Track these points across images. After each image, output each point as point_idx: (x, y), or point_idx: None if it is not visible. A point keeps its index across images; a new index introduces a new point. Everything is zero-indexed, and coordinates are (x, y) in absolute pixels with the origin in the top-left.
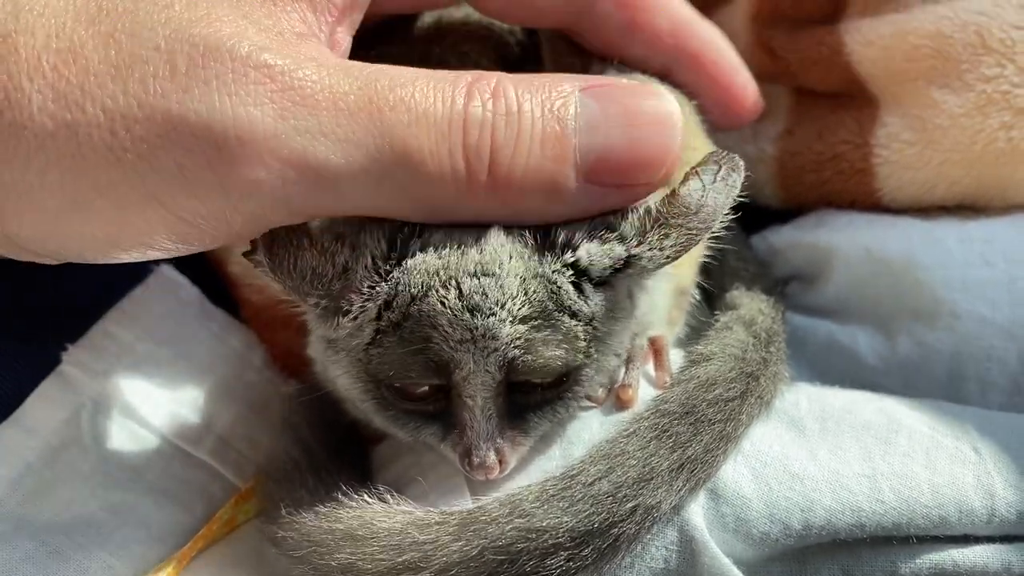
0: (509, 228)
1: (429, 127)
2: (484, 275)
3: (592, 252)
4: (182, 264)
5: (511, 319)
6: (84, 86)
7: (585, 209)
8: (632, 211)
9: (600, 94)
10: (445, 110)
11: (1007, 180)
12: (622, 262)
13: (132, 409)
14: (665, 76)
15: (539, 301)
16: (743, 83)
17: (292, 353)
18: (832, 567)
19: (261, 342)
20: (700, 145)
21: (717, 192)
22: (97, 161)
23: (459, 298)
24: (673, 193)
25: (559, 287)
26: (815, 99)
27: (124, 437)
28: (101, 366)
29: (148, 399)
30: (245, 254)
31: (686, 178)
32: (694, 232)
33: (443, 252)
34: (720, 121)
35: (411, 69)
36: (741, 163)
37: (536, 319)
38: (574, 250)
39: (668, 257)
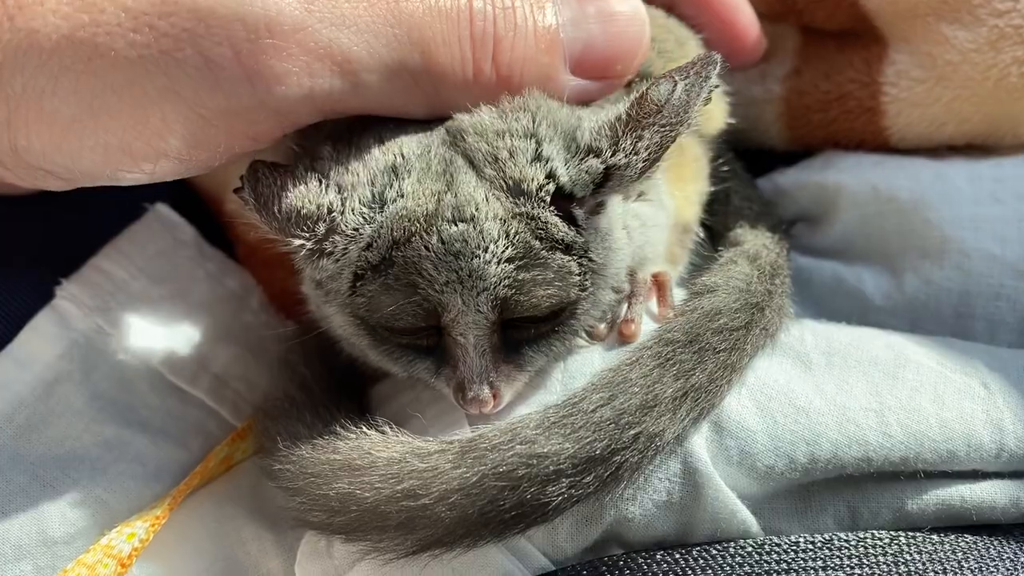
0: (480, 167)
1: (441, 15)
2: (461, 221)
3: (571, 174)
4: (179, 205)
5: (496, 260)
6: None
7: (570, 100)
8: (603, 122)
9: None
10: (454, 4)
11: (1019, 116)
12: (601, 175)
13: (127, 345)
14: (670, 10)
15: (523, 241)
16: (746, 21)
17: (289, 293)
18: (838, 504)
19: (258, 283)
20: None
21: (689, 84)
22: (117, 60)
23: (441, 243)
24: (642, 95)
25: (545, 222)
26: (822, 38)
27: (118, 373)
28: (95, 302)
29: (143, 336)
30: (236, 191)
31: (656, 80)
32: (668, 127)
33: (421, 197)
34: (727, 58)
35: None
36: (717, 56)
37: (523, 259)
38: (553, 174)
39: (646, 160)
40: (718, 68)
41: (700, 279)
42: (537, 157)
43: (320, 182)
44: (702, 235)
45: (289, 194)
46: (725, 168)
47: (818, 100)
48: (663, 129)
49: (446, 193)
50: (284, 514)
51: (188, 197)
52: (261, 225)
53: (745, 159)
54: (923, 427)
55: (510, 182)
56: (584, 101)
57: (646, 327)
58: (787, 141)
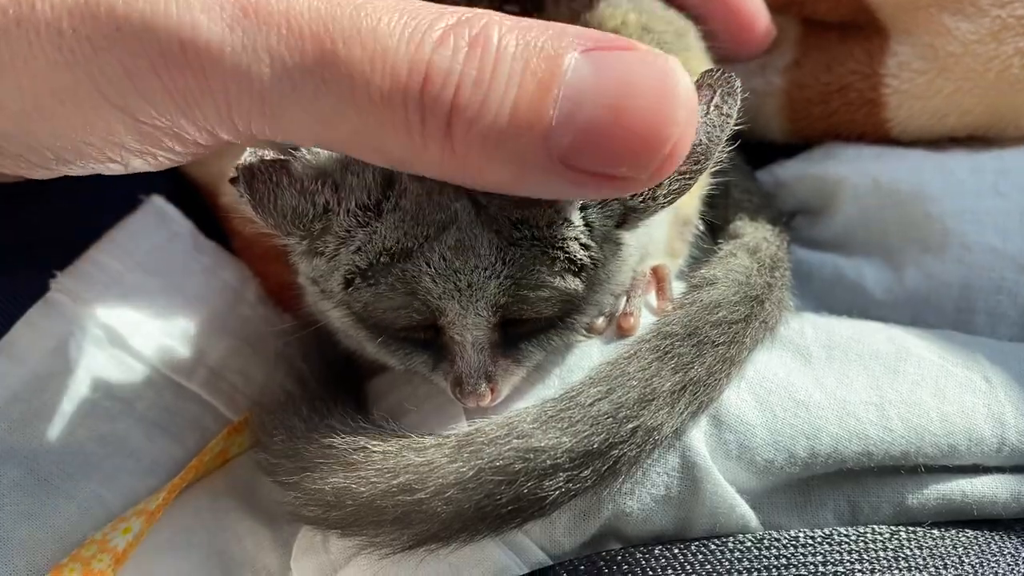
0: (483, 201)
1: (384, 70)
2: (462, 241)
3: (595, 218)
4: (175, 196)
5: (497, 276)
6: None
7: (556, 194)
8: None
9: (602, 60)
10: (406, 53)
11: (1021, 108)
12: (620, 218)
13: (122, 339)
14: (670, 1)
15: (527, 265)
16: (754, 10)
17: (285, 286)
18: (838, 498)
19: (254, 275)
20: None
21: (711, 126)
22: (48, 62)
23: (442, 259)
24: None
25: (564, 245)
26: (823, 29)
27: (113, 367)
28: (90, 295)
29: (138, 329)
30: (231, 181)
31: None
32: (688, 175)
33: (420, 212)
34: (731, 50)
35: None
36: (738, 84)
37: (525, 277)
38: (572, 222)
39: (663, 205)
40: (739, 101)
41: (699, 272)
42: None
43: (317, 179)
44: (701, 228)
45: (285, 190)
46: (725, 161)
47: (819, 92)
48: (682, 176)
49: (451, 222)
50: (280, 509)
51: (183, 189)
52: (255, 220)
53: (745, 152)
54: (924, 421)
55: (523, 218)
56: (572, 197)
57: (645, 320)
58: (787, 133)
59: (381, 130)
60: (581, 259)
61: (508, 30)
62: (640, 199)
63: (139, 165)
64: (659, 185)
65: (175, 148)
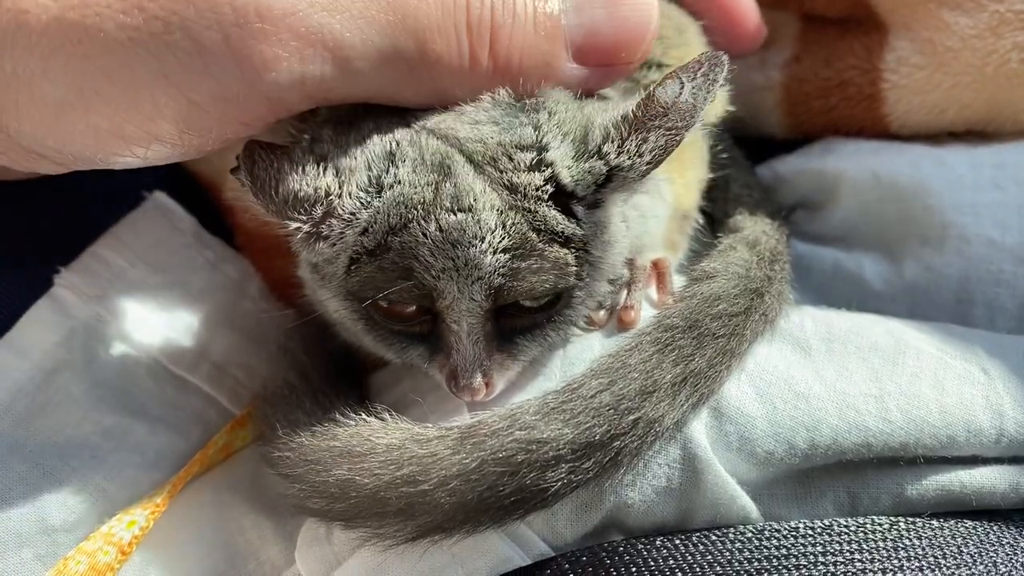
0: (479, 161)
1: (436, 3)
2: (460, 210)
3: (573, 173)
4: (177, 192)
5: (492, 250)
6: None
7: (572, 89)
8: (609, 123)
9: None
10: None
11: (1020, 102)
12: (603, 176)
13: (126, 334)
14: None
15: (520, 232)
16: (746, 9)
17: (288, 280)
18: (837, 489)
19: (257, 270)
20: None
21: (697, 88)
22: (107, 43)
23: (439, 230)
24: (649, 95)
25: (544, 216)
26: (823, 25)
27: (118, 362)
28: (94, 290)
29: (142, 324)
30: (232, 171)
31: (663, 79)
32: (673, 131)
33: (418, 185)
34: (725, 45)
35: None
36: (724, 57)
37: (519, 248)
38: (554, 176)
39: (650, 162)
40: (725, 70)
41: (699, 265)
42: (539, 163)
43: (318, 164)
44: (701, 222)
45: (287, 176)
46: (724, 155)
47: (818, 87)
48: (668, 132)
49: (444, 183)
50: (283, 501)
51: (186, 184)
52: (258, 207)
53: (744, 146)
54: (923, 413)
55: (508, 181)
56: (586, 90)
57: (645, 313)
58: (787, 128)
59: (438, 60)
60: (562, 230)
61: None
62: (626, 155)
63: (160, 157)
64: (644, 141)
65: (211, 132)
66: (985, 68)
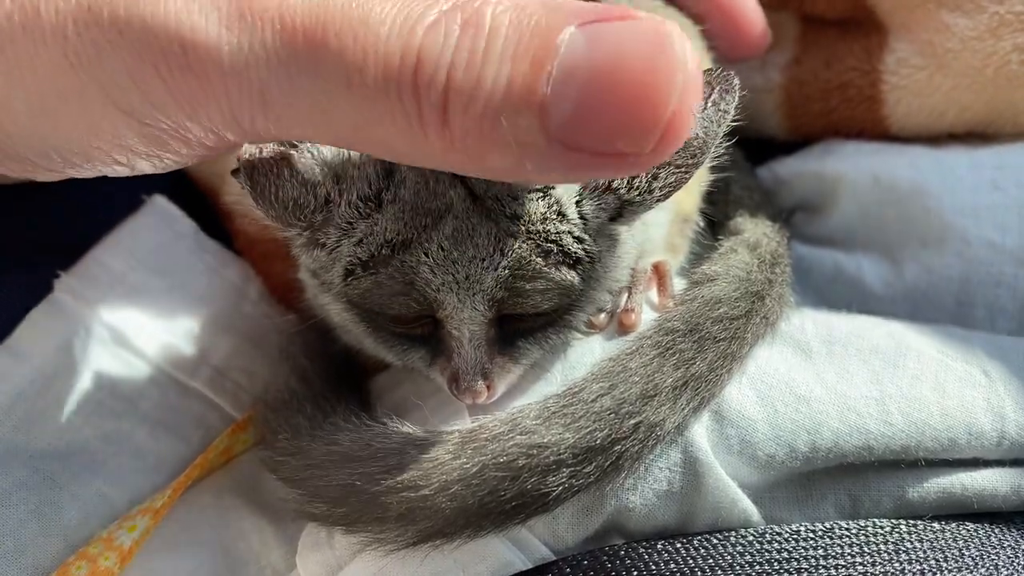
0: (483, 191)
1: (376, 60)
2: (461, 231)
3: (584, 209)
4: (177, 196)
5: (494, 267)
6: None
7: (559, 177)
8: None
9: (595, 32)
10: (398, 41)
11: (1020, 104)
12: (615, 211)
13: (126, 338)
14: (671, 2)
15: (523, 257)
16: (751, 13)
17: (288, 284)
18: (839, 492)
19: (257, 274)
20: None
21: (708, 120)
22: (55, 66)
23: (440, 250)
24: None
25: (553, 242)
26: (822, 26)
27: (118, 366)
28: (93, 295)
29: (142, 329)
30: (233, 172)
31: None
32: (683, 168)
33: (420, 208)
34: (729, 52)
35: None
36: (736, 81)
37: (522, 270)
38: (561, 207)
39: (659, 198)
40: (736, 97)
41: (700, 268)
42: (546, 193)
43: (319, 171)
44: (702, 224)
45: (286, 182)
46: (724, 157)
47: (818, 89)
48: (679, 170)
49: (447, 214)
50: (285, 505)
51: (186, 188)
52: (257, 211)
53: (745, 148)
54: (924, 415)
55: (513, 210)
56: (575, 179)
57: (646, 316)
58: (787, 130)
59: (380, 122)
60: (575, 252)
61: (503, 10)
62: (636, 192)
63: (146, 167)
64: (655, 178)
65: (181, 151)
66: (985, 70)
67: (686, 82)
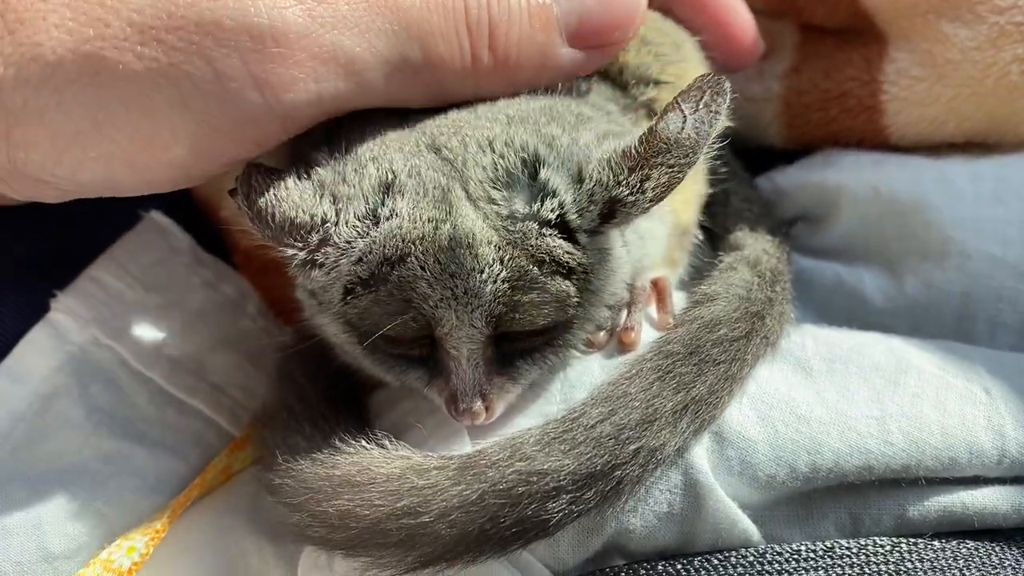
0: (479, 195)
1: (437, 9)
2: (458, 244)
3: (577, 208)
4: (173, 211)
5: (492, 280)
6: (105, 2)
7: (570, 73)
8: (610, 156)
9: None
10: None
11: (1020, 115)
12: (607, 211)
13: (123, 357)
14: (666, 13)
15: (520, 266)
16: (742, 23)
17: (286, 299)
18: (839, 510)
19: (254, 289)
20: None
21: (699, 121)
22: (126, 75)
23: (437, 263)
24: (651, 130)
25: (546, 249)
26: (821, 36)
27: (116, 385)
28: (91, 313)
29: (139, 346)
30: (230, 192)
31: (665, 110)
32: (676, 168)
33: (418, 220)
34: (722, 60)
35: None
36: (727, 84)
37: (520, 280)
38: (556, 210)
39: (652, 199)
40: (728, 98)
41: (700, 287)
42: (541, 196)
43: (315, 191)
44: (701, 237)
45: (283, 202)
46: (724, 168)
47: (817, 98)
48: (671, 170)
49: (444, 221)
50: (284, 527)
51: (182, 203)
52: (254, 231)
53: (744, 158)
54: (925, 434)
55: (508, 214)
56: (583, 71)
57: (646, 335)
58: (786, 140)
59: (443, 62)
60: (569, 263)
61: None
62: (628, 191)
63: (163, 185)
64: (647, 178)
65: (224, 155)
66: (985, 80)
67: None
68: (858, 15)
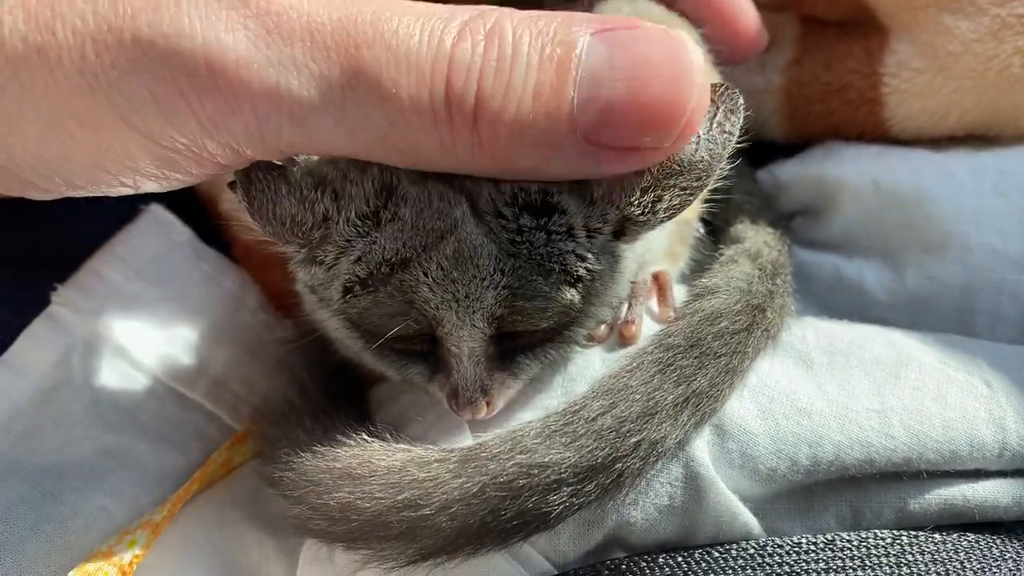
0: (485, 208)
1: (409, 69)
2: (461, 251)
3: (588, 225)
4: (174, 204)
5: (495, 286)
6: (55, 6)
7: (584, 173)
8: (623, 176)
9: (613, 39)
10: (429, 51)
11: (1021, 107)
12: (618, 229)
13: (124, 350)
14: (669, 6)
15: (524, 276)
16: (747, 16)
17: (287, 293)
18: (840, 504)
19: (255, 282)
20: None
21: (712, 142)
22: (70, 87)
23: (439, 269)
24: None
25: (557, 260)
26: (823, 28)
27: (116, 379)
28: (91, 306)
29: (140, 340)
30: (230, 185)
31: None
32: (688, 191)
33: (421, 228)
34: (725, 54)
35: (404, 1)
36: (741, 101)
37: (523, 289)
38: (565, 225)
39: (663, 219)
40: (742, 117)
41: (700, 280)
42: (550, 210)
43: (316, 188)
44: (702, 230)
45: (283, 198)
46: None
47: (818, 91)
48: (683, 192)
49: (448, 235)
50: (285, 520)
51: (182, 196)
52: (254, 227)
53: (745, 152)
54: (926, 427)
55: (516, 228)
56: (598, 175)
57: (647, 328)
58: (787, 132)
59: (411, 130)
60: (578, 271)
61: (520, 21)
62: (640, 211)
63: (151, 188)
64: (659, 199)
65: (191, 170)
66: (986, 73)
67: (702, 83)
68: (859, 7)
